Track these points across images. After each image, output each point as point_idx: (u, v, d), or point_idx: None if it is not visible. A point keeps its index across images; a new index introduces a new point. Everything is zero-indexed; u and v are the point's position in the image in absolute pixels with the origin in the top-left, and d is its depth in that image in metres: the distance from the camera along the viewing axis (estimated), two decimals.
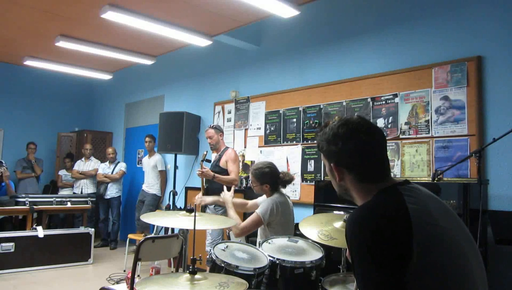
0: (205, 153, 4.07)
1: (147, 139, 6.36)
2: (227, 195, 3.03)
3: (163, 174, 6.35)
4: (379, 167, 1.19)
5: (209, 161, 4.40)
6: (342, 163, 1.20)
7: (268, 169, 2.92)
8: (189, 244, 3.21)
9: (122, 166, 6.77)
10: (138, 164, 7.26)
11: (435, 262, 1.01)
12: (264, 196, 3.02)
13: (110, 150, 6.87)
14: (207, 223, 2.52)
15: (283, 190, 3.01)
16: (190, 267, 1.76)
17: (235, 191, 3.27)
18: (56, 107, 8.22)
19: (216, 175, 4.03)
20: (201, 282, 1.71)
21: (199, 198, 3.50)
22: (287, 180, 2.93)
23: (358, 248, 1.06)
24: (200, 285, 1.68)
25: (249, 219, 2.80)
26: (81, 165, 7.00)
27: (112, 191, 6.68)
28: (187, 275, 1.73)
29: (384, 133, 1.38)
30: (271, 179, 2.90)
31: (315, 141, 4.36)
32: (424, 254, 1.00)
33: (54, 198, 5.86)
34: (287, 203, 2.89)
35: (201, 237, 4.19)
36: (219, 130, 4.42)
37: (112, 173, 6.69)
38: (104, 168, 6.77)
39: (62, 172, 7.21)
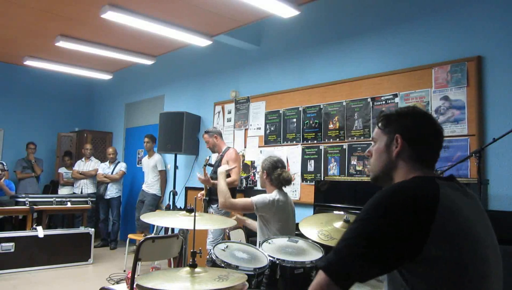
0: (207, 158, 4.09)
1: (145, 139, 6.37)
2: (223, 167, 3.10)
3: (163, 174, 6.36)
4: (435, 155, 1.24)
5: (211, 165, 4.41)
6: (409, 135, 1.22)
7: (270, 158, 3.03)
8: (189, 244, 3.21)
9: (122, 166, 6.77)
10: (138, 164, 7.26)
11: (455, 260, 1.00)
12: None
13: (110, 150, 6.87)
14: (207, 223, 2.52)
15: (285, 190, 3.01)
16: (191, 260, 1.78)
17: (238, 191, 3.27)
18: (56, 107, 8.22)
19: (215, 182, 4.02)
20: (201, 275, 1.73)
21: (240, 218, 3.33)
22: (284, 176, 2.92)
23: (369, 210, 1.06)
24: (200, 277, 1.71)
25: (241, 199, 2.91)
26: (81, 165, 7.00)
27: (112, 191, 6.68)
28: (187, 269, 1.76)
29: None
30: (269, 167, 2.95)
31: (315, 141, 4.37)
32: (442, 249, 1.00)
33: (54, 198, 5.86)
34: (286, 202, 2.89)
35: (202, 237, 4.19)
36: (213, 132, 4.44)
37: (112, 173, 6.69)
38: (104, 168, 6.77)
39: (62, 170, 7.21)
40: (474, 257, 1.03)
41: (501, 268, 1.13)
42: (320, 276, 1.04)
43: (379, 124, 1.29)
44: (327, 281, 1.02)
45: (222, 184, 2.91)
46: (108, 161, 6.84)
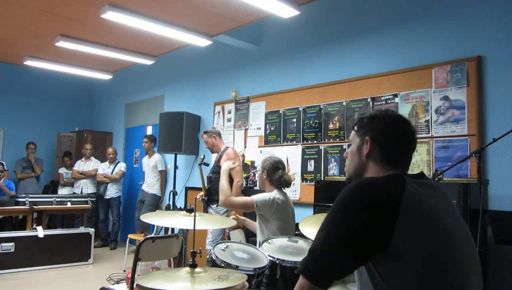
0: (202, 157, 4.09)
1: (144, 139, 6.37)
2: (228, 163, 3.08)
3: (163, 174, 6.35)
4: (406, 156, 1.27)
5: (206, 164, 4.42)
6: (379, 138, 1.26)
7: (270, 158, 3.02)
8: (189, 244, 3.21)
9: (122, 166, 6.77)
10: (134, 164, 7.26)
11: (426, 252, 1.02)
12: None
13: (110, 150, 6.87)
14: (207, 223, 2.52)
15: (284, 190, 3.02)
16: (191, 260, 1.78)
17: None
18: (56, 107, 8.22)
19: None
20: (201, 275, 1.74)
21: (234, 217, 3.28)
22: (285, 178, 2.94)
23: (336, 207, 1.11)
24: (200, 277, 1.72)
25: (242, 198, 2.91)
26: (81, 165, 7.00)
27: (112, 191, 6.68)
28: (187, 269, 1.76)
29: None
30: (270, 168, 2.96)
31: (315, 141, 4.37)
32: (411, 243, 1.02)
33: (54, 198, 5.86)
34: (286, 202, 2.90)
35: (201, 237, 4.19)
36: (211, 133, 4.47)
37: (112, 173, 6.69)
38: (104, 168, 6.77)
39: (63, 170, 7.21)
40: (446, 249, 1.05)
41: (477, 257, 1.15)
42: (300, 279, 1.09)
43: (354, 127, 1.34)
44: (307, 284, 1.06)
45: (223, 182, 2.92)
46: (108, 161, 6.84)
